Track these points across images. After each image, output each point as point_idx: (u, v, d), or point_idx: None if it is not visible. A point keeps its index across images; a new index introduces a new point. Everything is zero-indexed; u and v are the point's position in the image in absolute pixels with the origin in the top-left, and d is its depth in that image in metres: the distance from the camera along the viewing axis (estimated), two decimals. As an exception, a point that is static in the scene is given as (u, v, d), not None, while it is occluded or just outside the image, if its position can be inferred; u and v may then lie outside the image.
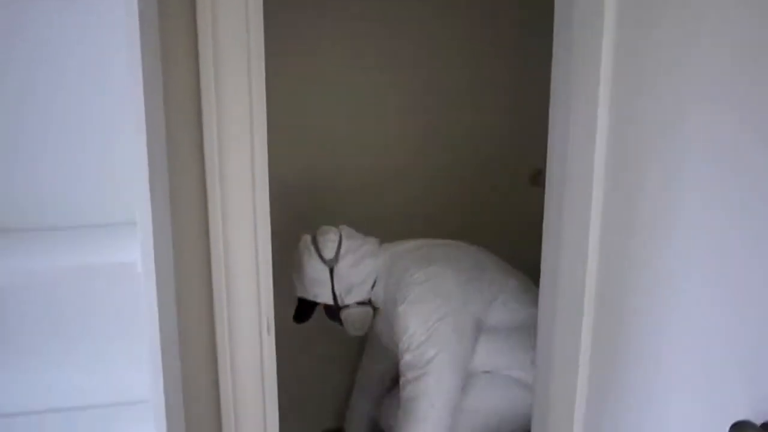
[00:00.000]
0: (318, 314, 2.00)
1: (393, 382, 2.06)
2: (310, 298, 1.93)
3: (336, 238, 1.91)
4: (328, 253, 1.90)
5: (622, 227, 1.15)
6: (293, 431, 2.33)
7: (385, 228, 2.10)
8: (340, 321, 1.96)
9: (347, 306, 1.93)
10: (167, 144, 1.15)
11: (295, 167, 2.25)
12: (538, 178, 2.54)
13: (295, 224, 2.09)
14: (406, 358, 1.78)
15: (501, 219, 2.50)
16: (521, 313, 1.88)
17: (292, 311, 2.00)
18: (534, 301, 1.79)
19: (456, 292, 1.82)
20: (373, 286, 1.92)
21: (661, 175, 1.04)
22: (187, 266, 1.24)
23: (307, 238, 1.93)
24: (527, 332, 1.79)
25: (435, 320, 1.76)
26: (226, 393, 1.30)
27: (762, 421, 0.82)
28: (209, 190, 1.22)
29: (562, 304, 1.31)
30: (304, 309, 1.98)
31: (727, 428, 0.84)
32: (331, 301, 1.93)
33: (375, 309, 1.96)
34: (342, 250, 1.90)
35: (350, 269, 1.89)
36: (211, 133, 1.19)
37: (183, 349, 1.24)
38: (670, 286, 1.04)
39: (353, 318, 1.94)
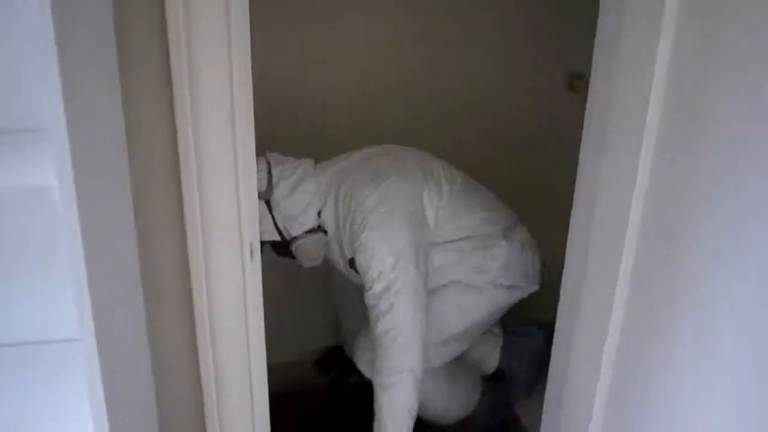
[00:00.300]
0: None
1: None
2: (261, 237, 1.67)
3: (264, 167, 1.65)
4: (260, 186, 1.61)
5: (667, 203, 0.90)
6: (290, 353, 2.25)
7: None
8: (292, 255, 1.75)
9: (296, 238, 1.70)
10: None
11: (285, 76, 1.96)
12: (574, 84, 2.26)
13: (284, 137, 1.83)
14: (377, 287, 1.60)
15: (533, 129, 2.22)
16: (465, 220, 1.75)
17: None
18: (480, 204, 1.77)
19: (411, 209, 1.66)
20: (319, 213, 1.70)
21: None
22: (147, 177, 0.99)
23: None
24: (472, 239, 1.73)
25: (402, 244, 1.60)
26: (202, 326, 1.09)
27: None
28: (175, 79, 0.94)
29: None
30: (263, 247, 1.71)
31: None
32: (278, 237, 1.70)
33: (326, 233, 1.74)
34: (273, 180, 1.65)
35: (288, 199, 1.66)
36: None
37: (147, 277, 1.01)
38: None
39: (305, 249, 1.72)
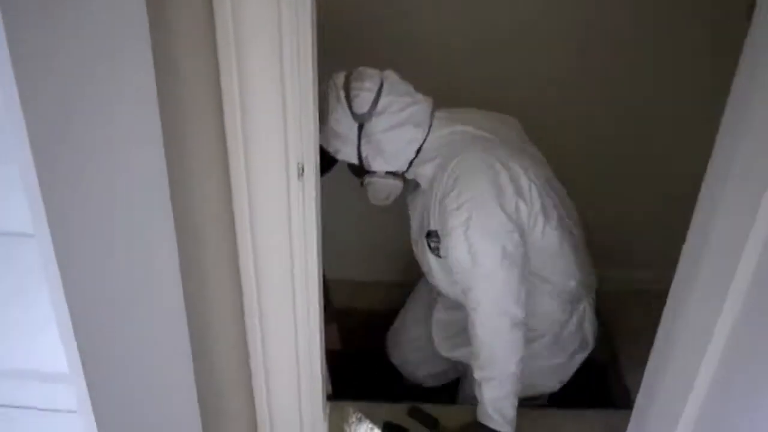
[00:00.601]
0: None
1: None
2: (330, 151, 1.50)
3: (374, 87, 1.41)
4: (360, 107, 1.41)
5: None
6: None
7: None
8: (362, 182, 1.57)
9: (373, 172, 1.49)
10: None
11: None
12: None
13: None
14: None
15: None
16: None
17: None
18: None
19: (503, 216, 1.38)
20: (410, 163, 1.48)
21: None
22: (187, 84, 0.92)
23: (339, 77, 1.44)
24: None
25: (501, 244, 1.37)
26: (245, 245, 1.05)
27: None
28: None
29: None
30: (325, 159, 1.50)
31: None
32: (355, 161, 1.50)
33: (406, 181, 1.53)
34: (378, 107, 1.41)
35: (385, 133, 1.44)
36: None
37: (184, 200, 0.98)
38: None
39: (376, 188, 1.53)
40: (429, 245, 1.52)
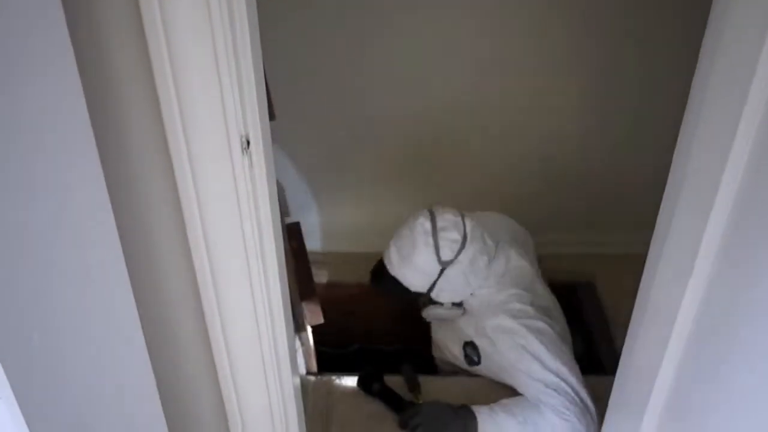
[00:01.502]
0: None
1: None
2: (403, 282, 1.64)
3: (459, 238, 1.57)
4: (447, 255, 1.58)
5: None
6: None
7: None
8: (409, 301, 1.73)
9: (439, 304, 1.67)
10: None
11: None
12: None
13: None
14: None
15: None
16: None
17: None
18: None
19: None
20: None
21: None
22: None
23: (425, 223, 1.58)
24: None
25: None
26: (198, 247, 0.98)
27: None
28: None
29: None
30: (382, 278, 1.68)
31: None
32: (424, 291, 1.65)
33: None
34: (461, 255, 1.58)
35: (463, 276, 1.60)
36: None
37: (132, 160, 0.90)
38: None
39: (439, 315, 1.71)
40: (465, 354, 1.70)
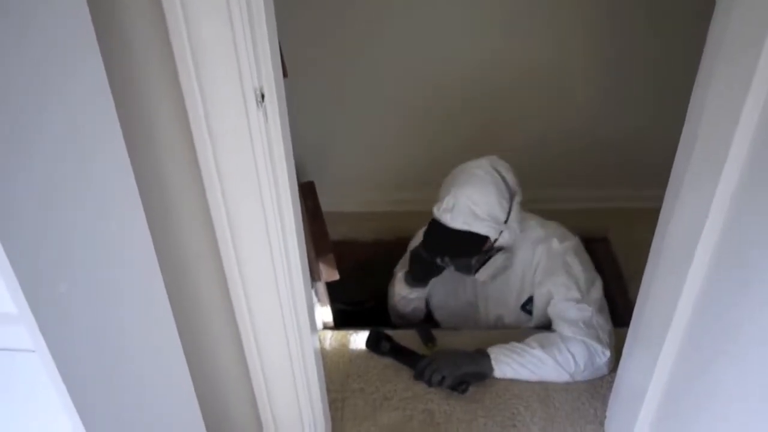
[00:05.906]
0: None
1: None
2: (476, 229, 1.58)
3: (511, 168, 1.65)
4: (513, 184, 1.63)
5: None
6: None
7: None
8: (467, 269, 1.70)
9: (498, 249, 1.68)
10: None
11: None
12: None
13: None
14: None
15: None
16: None
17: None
18: None
19: None
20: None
21: None
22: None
23: (487, 164, 1.62)
24: None
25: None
26: (216, 205, 1.00)
27: None
28: None
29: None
30: (440, 242, 1.67)
31: None
32: (496, 235, 1.63)
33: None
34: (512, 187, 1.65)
35: (518, 207, 1.65)
36: None
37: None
38: None
39: (495, 267, 1.69)
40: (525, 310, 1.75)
